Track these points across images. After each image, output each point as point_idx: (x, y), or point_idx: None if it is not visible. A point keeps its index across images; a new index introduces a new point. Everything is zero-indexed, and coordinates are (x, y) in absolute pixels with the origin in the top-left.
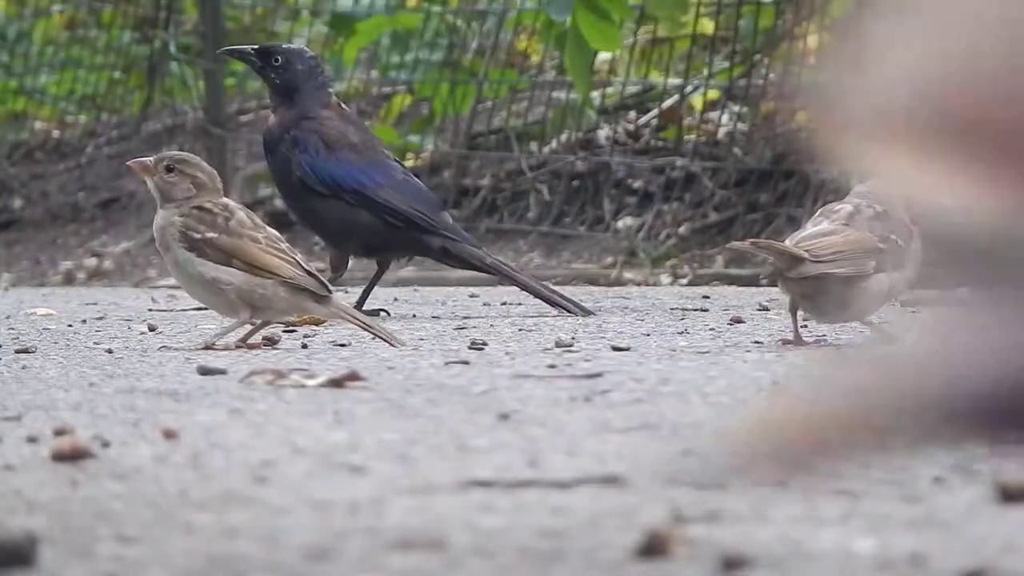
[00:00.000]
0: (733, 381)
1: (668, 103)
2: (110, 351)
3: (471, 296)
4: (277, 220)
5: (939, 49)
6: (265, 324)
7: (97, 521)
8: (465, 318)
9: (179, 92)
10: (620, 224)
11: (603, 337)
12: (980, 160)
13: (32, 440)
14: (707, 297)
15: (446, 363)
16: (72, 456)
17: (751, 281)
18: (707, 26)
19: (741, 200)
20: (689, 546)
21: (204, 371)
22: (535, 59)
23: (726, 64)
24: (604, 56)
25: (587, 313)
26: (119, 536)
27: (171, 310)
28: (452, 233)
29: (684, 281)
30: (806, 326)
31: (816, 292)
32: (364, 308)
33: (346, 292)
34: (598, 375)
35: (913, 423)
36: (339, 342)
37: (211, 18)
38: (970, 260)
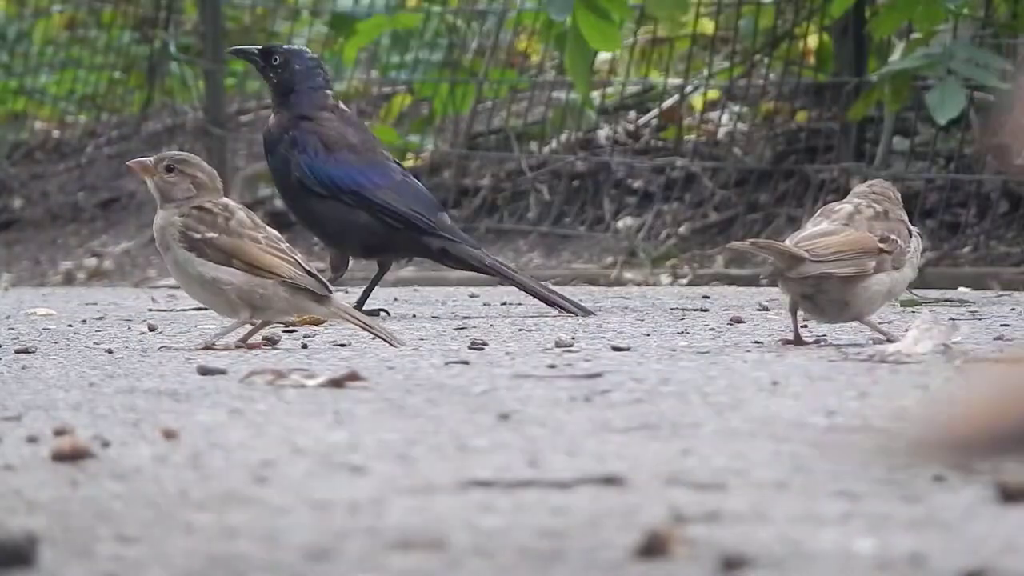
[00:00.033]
0: (733, 381)
1: (668, 103)
2: (110, 351)
3: (471, 296)
4: (277, 220)
5: None
6: (265, 324)
7: (97, 521)
8: (465, 318)
9: (179, 92)
10: (620, 224)
11: (603, 337)
12: None
13: (32, 440)
14: (707, 297)
15: (446, 363)
16: (72, 456)
17: (751, 281)
18: (707, 26)
19: (741, 200)
20: (689, 546)
21: (204, 371)
22: (535, 59)
23: (726, 64)
24: (604, 56)
25: (586, 313)
26: (119, 536)
27: (171, 310)
28: (450, 234)
29: (684, 281)
30: (806, 326)
31: (816, 292)
32: (364, 308)
33: (346, 292)
34: (598, 375)
35: None
36: (339, 342)
37: (211, 18)
38: None
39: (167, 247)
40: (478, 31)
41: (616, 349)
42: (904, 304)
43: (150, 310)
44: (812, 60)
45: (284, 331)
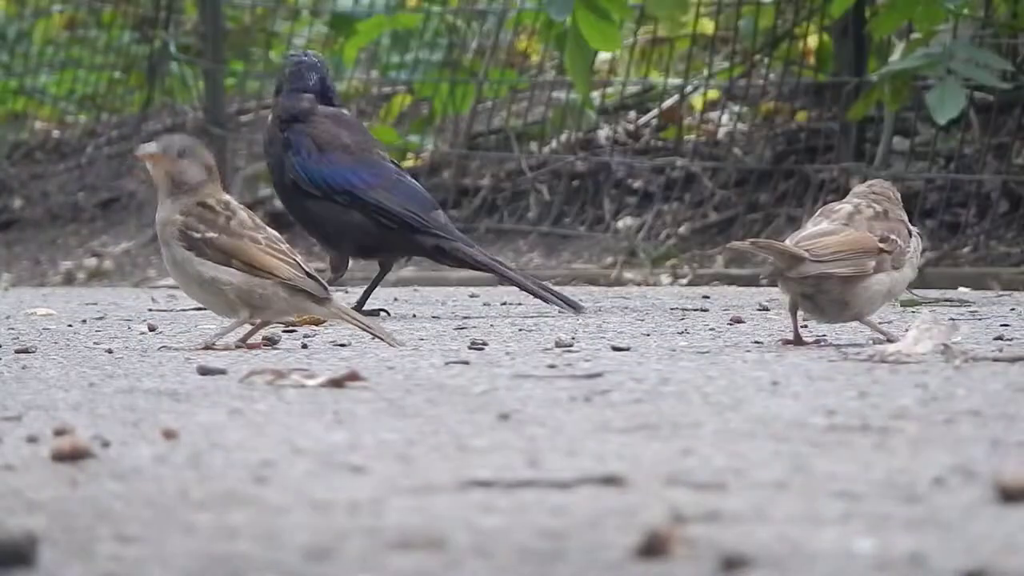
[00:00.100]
0: (733, 381)
1: (668, 103)
2: (110, 351)
3: (471, 296)
4: (277, 220)
5: None
6: (265, 324)
7: (97, 521)
8: (465, 318)
9: (179, 92)
10: (620, 224)
11: (603, 337)
12: None
13: (32, 440)
14: (707, 297)
15: (446, 363)
16: (72, 456)
17: (751, 281)
18: (707, 26)
19: (741, 200)
20: (689, 546)
21: (204, 371)
22: (535, 59)
23: (726, 64)
24: (604, 56)
25: (578, 309)
26: (119, 536)
27: (171, 310)
28: (444, 232)
29: (684, 281)
30: (806, 326)
31: (816, 292)
32: (364, 308)
33: (346, 292)
34: (598, 375)
35: None
36: (339, 342)
37: (211, 18)
38: None
39: (167, 244)
40: (478, 31)
41: (616, 349)
42: (904, 304)
43: (150, 310)
44: (812, 60)
45: (284, 331)
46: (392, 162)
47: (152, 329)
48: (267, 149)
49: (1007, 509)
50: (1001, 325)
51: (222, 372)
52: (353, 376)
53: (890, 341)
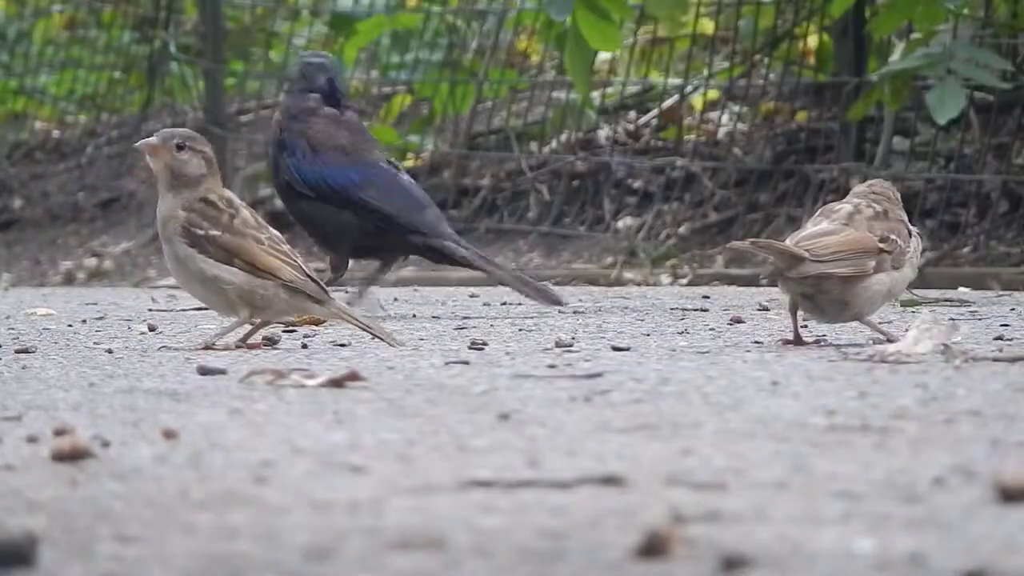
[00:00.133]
0: (733, 381)
1: (668, 103)
2: (110, 351)
3: (471, 296)
4: (277, 220)
5: None
6: (265, 324)
7: (97, 521)
8: (465, 318)
9: (179, 92)
10: (620, 224)
11: (603, 337)
12: None
13: (32, 440)
14: (707, 297)
15: (446, 363)
16: (72, 456)
17: (751, 281)
18: (707, 26)
19: (741, 200)
20: (689, 546)
21: (204, 371)
22: (535, 59)
23: (726, 64)
24: (604, 56)
25: (558, 303)
26: (119, 536)
27: (171, 310)
28: (432, 231)
29: (684, 281)
30: (806, 326)
31: (816, 292)
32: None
33: (346, 292)
34: (598, 375)
35: None
36: (339, 342)
37: (211, 18)
38: None
39: (168, 240)
40: (478, 31)
41: (616, 349)
42: (904, 304)
43: (150, 310)
44: (812, 60)
45: (284, 331)
46: (390, 162)
47: (152, 329)
48: (267, 149)
49: (1007, 509)
50: (1001, 325)
51: (222, 372)
52: (353, 376)
53: (890, 341)
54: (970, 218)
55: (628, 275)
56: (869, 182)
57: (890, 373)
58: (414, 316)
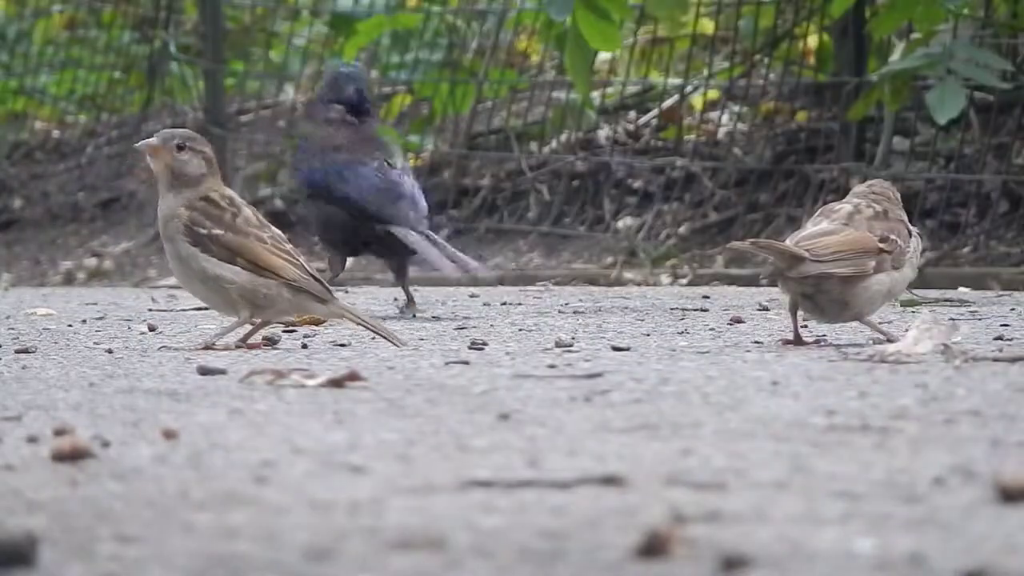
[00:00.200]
0: (733, 381)
1: (668, 103)
2: (110, 351)
3: (471, 296)
4: (278, 220)
5: None
6: (265, 324)
7: (97, 521)
8: (465, 318)
9: (179, 92)
10: (620, 224)
11: (603, 337)
12: None
13: (32, 440)
14: (707, 297)
15: (446, 363)
16: (72, 456)
17: (751, 281)
18: (707, 26)
19: (741, 200)
20: (689, 546)
21: (204, 371)
22: (535, 59)
23: (726, 64)
24: (604, 56)
25: (466, 270)
26: (119, 536)
27: (171, 310)
28: (391, 218)
29: (684, 281)
30: (806, 326)
31: (816, 292)
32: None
33: (346, 292)
34: (598, 375)
35: None
36: (339, 342)
37: (211, 18)
38: None
39: (170, 239)
40: (478, 31)
41: (616, 349)
42: (904, 304)
43: (150, 310)
44: (812, 60)
45: (284, 331)
46: (385, 161)
47: (152, 329)
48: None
49: (1007, 509)
50: (1001, 325)
51: (222, 372)
52: (353, 376)
53: (890, 341)
54: (970, 218)
55: (628, 275)
56: (869, 182)
57: (890, 373)
58: (414, 316)
